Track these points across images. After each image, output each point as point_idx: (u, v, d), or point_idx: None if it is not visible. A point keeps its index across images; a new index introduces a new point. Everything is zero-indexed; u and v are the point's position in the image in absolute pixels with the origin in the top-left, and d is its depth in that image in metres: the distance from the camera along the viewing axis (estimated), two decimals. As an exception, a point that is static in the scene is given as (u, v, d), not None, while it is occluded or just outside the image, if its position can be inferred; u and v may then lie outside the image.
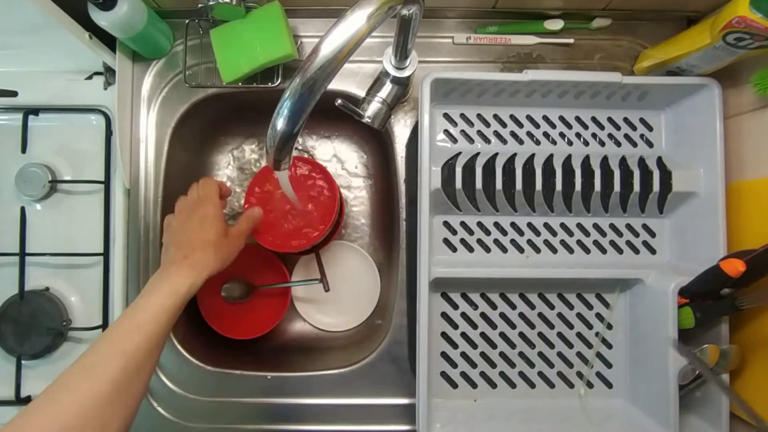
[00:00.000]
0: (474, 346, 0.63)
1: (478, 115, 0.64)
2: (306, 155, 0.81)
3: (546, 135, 0.64)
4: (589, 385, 0.64)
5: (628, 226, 0.64)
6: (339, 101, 0.59)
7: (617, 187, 0.61)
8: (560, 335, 0.64)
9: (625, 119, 0.64)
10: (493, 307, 0.64)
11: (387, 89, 0.61)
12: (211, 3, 0.58)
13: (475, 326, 0.63)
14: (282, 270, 0.73)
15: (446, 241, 0.63)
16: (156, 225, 0.66)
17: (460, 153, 0.62)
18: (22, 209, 0.64)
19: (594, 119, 0.64)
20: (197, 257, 0.50)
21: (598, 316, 0.64)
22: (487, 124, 0.64)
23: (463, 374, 0.63)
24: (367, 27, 0.37)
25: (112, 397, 0.39)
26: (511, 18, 0.66)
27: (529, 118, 0.64)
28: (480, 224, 0.64)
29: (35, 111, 0.65)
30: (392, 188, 0.70)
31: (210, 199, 0.54)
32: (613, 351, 0.64)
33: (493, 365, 0.63)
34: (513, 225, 0.64)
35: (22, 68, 0.64)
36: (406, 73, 0.59)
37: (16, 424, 0.37)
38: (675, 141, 0.64)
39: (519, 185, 0.61)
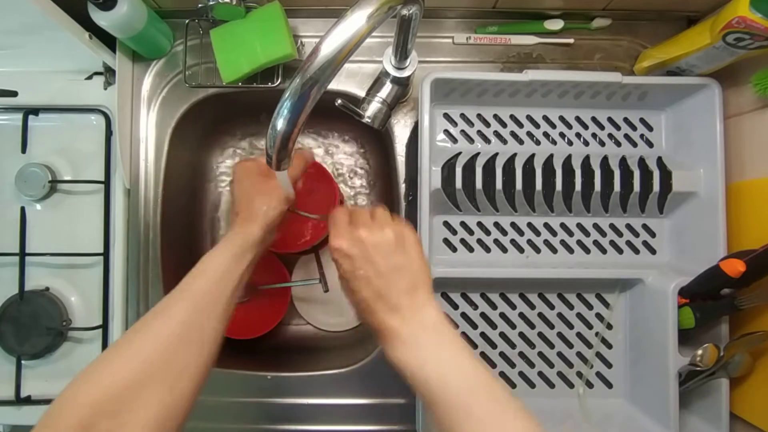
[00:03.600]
0: (474, 346, 0.63)
1: (478, 115, 0.64)
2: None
3: (546, 135, 0.64)
4: (589, 384, 0.64)
5: (628, 226, 0.64)
6: (339, 101, 0.59)
7: (617, 187, 0.61)
8: (560, 335, 0.64)
9: (625, 119, 0.64)
10: (493, 307, 0.64)
11: (387, 89, 0.61)
12: (211, 3, 0.58)
13: (475, 326, 0.63)
14: (282, 270, 0.73)
15: (446, 241, 0.63)
16: (156, 225, 0.66)
17: (460, 153, 0.62)
18: (22, 209, 0.64)
19: (594, 119, 0.64)
20: (247, 210, 0.51)
21: (598, 316, 0.64)
22: (487, 124, 0.64)
23: (463, 374, 0.63)
24: (367, 27, 0.37)
25: (184, 338, 0.40)
26: (511, 18, 0.66)
27: (529, 118, 0.64)
28: (480, 224, 0.64)
29: (35, 111, 0.65)
30: (392, 188, 0.70)
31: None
32: (613, 351, 0.64)
33: (493, 365, 0.63)
34: (513, 225, 0.64)
35: (22, 68, 0.64)
36: (406, 73, 0.59)
37: (95, 367, 0.37)
38: (675, 141, 0.64)
39: (519, 185, 0.61)
